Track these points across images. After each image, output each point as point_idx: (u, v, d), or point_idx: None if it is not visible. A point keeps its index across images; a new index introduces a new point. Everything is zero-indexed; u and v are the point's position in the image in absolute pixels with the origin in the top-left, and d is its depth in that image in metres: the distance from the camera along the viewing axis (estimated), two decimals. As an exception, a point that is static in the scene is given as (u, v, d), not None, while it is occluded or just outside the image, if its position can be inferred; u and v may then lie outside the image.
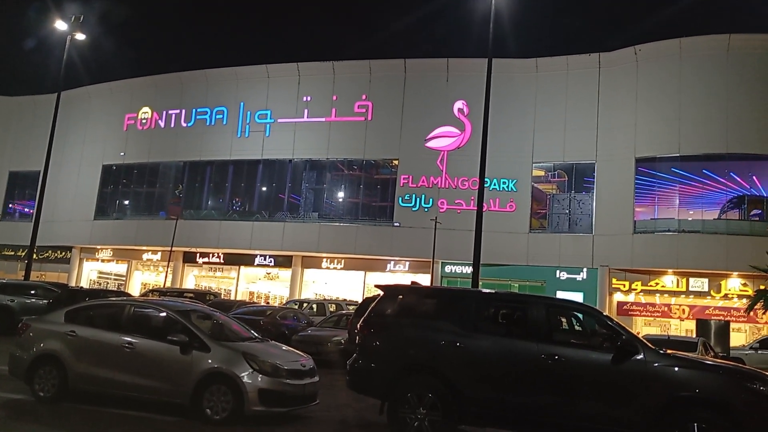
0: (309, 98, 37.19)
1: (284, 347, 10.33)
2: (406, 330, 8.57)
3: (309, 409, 9.41)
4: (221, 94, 39.34)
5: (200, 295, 25.09)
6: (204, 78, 40.31)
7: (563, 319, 9.26)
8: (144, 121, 41.46)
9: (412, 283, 9.90)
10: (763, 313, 26.02)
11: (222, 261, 38.98)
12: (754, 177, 30.35)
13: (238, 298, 34.63)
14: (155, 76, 42.41)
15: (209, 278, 40.69)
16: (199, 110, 39.77)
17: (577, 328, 9.06)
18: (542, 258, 31.78)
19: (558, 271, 31.68)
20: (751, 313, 25.51)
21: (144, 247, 40.35)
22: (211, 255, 38.94)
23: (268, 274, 38.97)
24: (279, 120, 37.65)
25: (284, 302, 32.24)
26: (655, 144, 30.37)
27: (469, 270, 26.15)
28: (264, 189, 39.25)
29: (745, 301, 27.57)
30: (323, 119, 36.72)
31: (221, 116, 39.12)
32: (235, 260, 38.68)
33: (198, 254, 39.17)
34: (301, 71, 37.84)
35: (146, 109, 41.43)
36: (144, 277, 42.39)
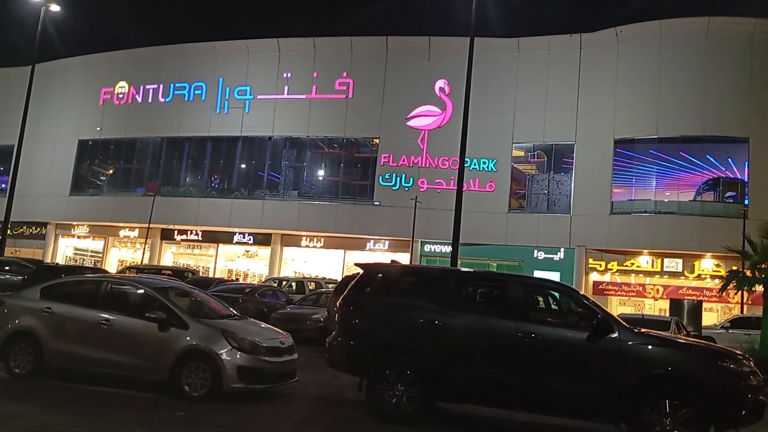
0: (289, 75, 36.84)
1: (263, 325, 10.33)
2: (385, 308, 8.61)
3: (287, 386, 9.44)
4: (200, 69, 38.78)
5: (178, 273, 24.92)
6: (182, 53, 39.69)
7: (540, 298, 9.37)
8: (121, 95, 40.80)
9: (392, 261, 9.93)
10: (735, 294, 26.56)
11: (200, 238, 38.75)
12: (729, 159, 30.78)
13: (217, 276, 34.51)
14: (133, 50, 41.70)
15: (187, 255, 40.46)
16: (177, 85, 39.22)
17: (553, 306, 9.18)
18: (521, 238, 32.04)
19: (536, 251, 31.99)
20: (724, 294, 26.04)
21: (121, 224, 39.96)
22: (189, 232, 38.68)
23: (247, 251, 38.84)
24: (258, 96, 37.27)
25: (263, 280, 32.21)
26: (633, 125, 30.63)
27: (448, 249, 26.27)
28: (243, 166, 38.98)
29: (717, 281, 28.09)
30: (303, 96, 36.41)
31: (200, 92, 38.62)
32: (213, 238, 38.48)
33: (176, 231, 38.89)
34: (281, 47, 37.40)
35: (123, 83, 40.76)
36: (121, 254, 42.03)
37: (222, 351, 8.52)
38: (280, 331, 10.00)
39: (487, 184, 32.91)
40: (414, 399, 8.01)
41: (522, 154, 34.46)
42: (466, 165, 22.07)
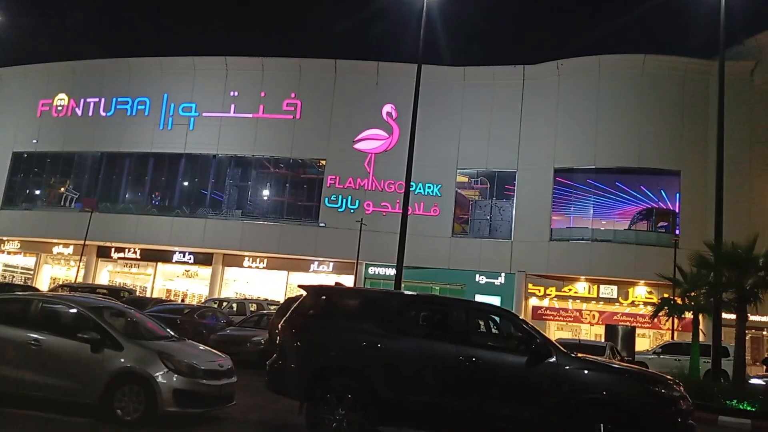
0: (236, 93, 36.53)
1: (201, 347, 10.09)
2: (327, 331, 8.55)
3: (226, 410, 9.23)
4: (144, 84, 38.05)
5: (114, 292, 24.12)
6: (126, 67, 38.89)
7: (481, 322, 9.48)
8: (60, 108, 39.58)
9: (336, 284, 9.90)
10: (666, 320, 27.50)
11: (138, 257, 37.64)
12: (662, 191, 32.09)
13: (155, 296, 33.56)
14: (74, 62, 40.64)
15: (124, 274, 39.24)
16: (119, 100, 38.34)
17: (494, 331, 9.31)
18: (463, 262, 32.43)
19: (477, 275, 32.40)
20: (656, 320, 26.90)
21: (55, 240, 38.48)
22: (127, 250, 37.55)
23: (187, 271, 37.94)
24: (204, 114, 36.77)
25: (203, 301, 31.51)
26: (573, 156, 31.62)
27: (392, 272, 26.37)
28: (186, 184, 38.25)
29: (650, 308, 29.06)
30: (250, 115, 36.15)
31: (143, 107, 37.84)
32: (152, 256, 37.44)
33: (113, 249, 37.70)
34: (229, 65, 37.12)
35: (62, 95, 39.58)
36: (54, 271, 40.41)
37: (158, 373, 8.27)
38: (219, 354, 9.79)
39: (432, 209, 33.29)
40: (355, 423, 7.94)
41: (466, 179, 35.05)
42: (411, 189, 22.30)
